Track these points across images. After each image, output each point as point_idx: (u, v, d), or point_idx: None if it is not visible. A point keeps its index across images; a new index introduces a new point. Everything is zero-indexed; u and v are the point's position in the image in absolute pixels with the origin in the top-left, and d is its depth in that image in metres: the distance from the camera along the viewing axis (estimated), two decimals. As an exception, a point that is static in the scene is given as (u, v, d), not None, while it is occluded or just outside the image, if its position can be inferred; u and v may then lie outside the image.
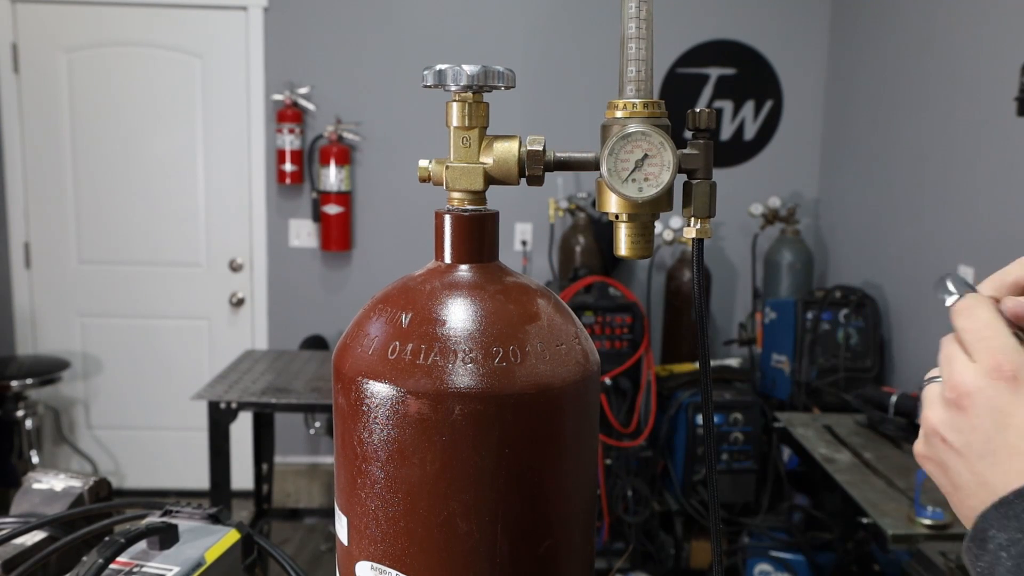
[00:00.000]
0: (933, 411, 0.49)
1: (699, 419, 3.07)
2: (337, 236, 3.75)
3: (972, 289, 0.54)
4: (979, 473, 0.46)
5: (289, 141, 3.69)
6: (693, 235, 0.56)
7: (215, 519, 0.77)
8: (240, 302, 3.91)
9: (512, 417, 0.50)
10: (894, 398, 2.51)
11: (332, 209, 3.72)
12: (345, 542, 0.55)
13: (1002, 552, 0.43)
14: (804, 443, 2.47)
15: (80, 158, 3.78)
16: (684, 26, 3.73)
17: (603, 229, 3.59)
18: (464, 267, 0.56)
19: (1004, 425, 0.45)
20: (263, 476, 3.23)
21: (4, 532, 0.75)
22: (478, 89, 0.54)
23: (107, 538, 0.67)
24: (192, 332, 3.92)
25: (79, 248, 3.84)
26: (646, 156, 0.53)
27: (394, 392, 0.50)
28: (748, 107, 3.84)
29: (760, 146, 3.87)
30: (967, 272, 2.71)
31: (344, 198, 3.73)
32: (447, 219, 0.56)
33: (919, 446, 0.51)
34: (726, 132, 3.83)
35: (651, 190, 0.53)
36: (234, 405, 2.62)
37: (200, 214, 3.84)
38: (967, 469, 0.46)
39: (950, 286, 0.55)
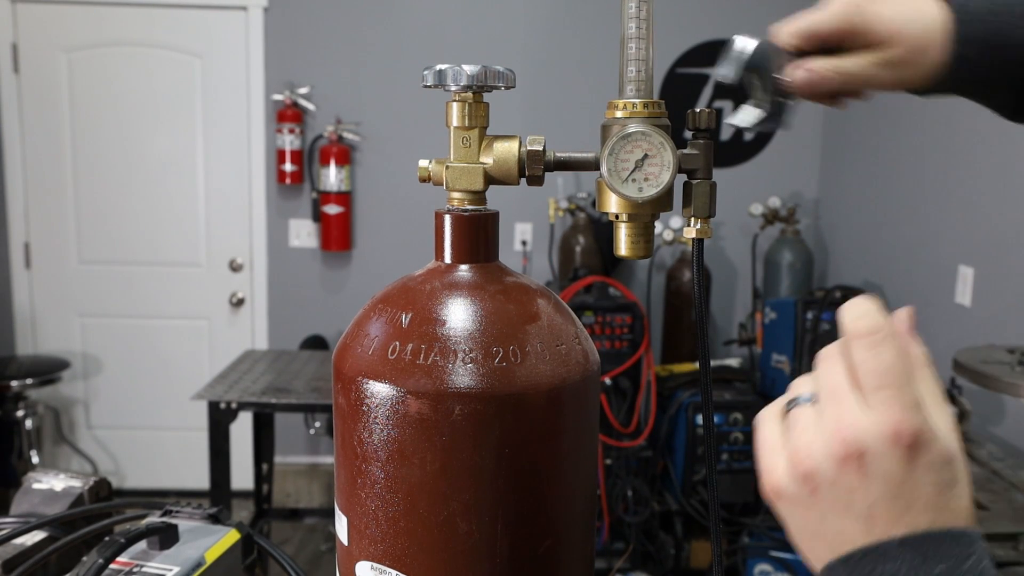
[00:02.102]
0: (811, 450, 0.42)
1: (699, 419, 3.08)
2: (337, 236, 3.75)
3: (766, 51, 0.53)
4: (845, 530, 0.41)
5: (289, 141, 3.69)
6: (693, 235, 0.56)
7: (215, 519, 0.77)
8: (240, 302, 3.91)
9: (512, 417, 0.50)
10: (894, 398, 2.50)
11: (332, 209, 3.72)
12: (345, 542, 0.55)
13: None
14: (804, 443, 2.47)
15: (80, 158, 3.78)
16: (684, 26, 3.73)
17: (603, 229, 3.59)
18: (464, 267, 0.56)
19: (892, 496, 0.40)
20: (263, 476, 3.23)
21: (4, 532, 0.75)
22: (478, 89, 0.54)
23: (107, 538, 0.67)
24: (192, 332, 3.92)
25: (79, 248, 3.84)
26: (646, 156, 0.53)
27: (394, 392, 0.50)
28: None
29: (760, 146, 3.87)
30: (967, 272, 2.72)
31: (344, 198, 3.73)
32: (447, 219, 0.56)
33: (779, 479, 0.43)
34: (726, 132, 3.84)
35: (651, 190, 0.53)
36: (234, 405, 2.62)
37: (200, 214, 3.84)
38: (832, 523, 0.42)
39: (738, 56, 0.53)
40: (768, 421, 0.45)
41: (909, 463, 0.40)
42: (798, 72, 0.57)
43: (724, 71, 0.54)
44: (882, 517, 0.41)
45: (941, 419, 0.42)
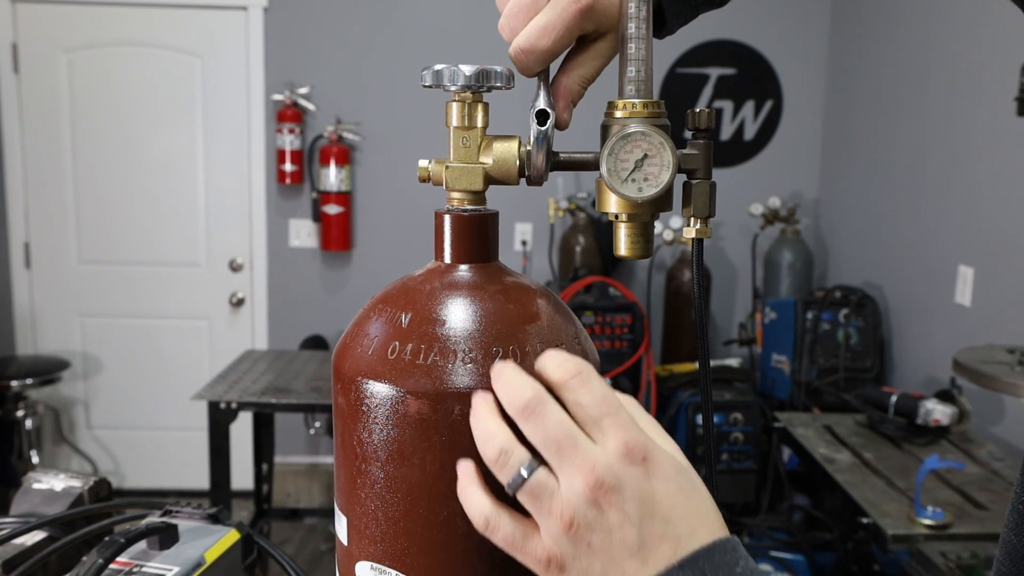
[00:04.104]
0: (572, 504, 0.42)
1: (699, 419, 3.08)
2: (337, 236, 3.75)
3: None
4: (627, 571, 0.42)
5: (289, 141, 3.69)
6: (693, 235, 0.56)
7: (215, 519, 0.77)
8: (240, 302, 3.91)
9: (512, 417, 0.50)
10: (894, 398, 2.51)
11: (332, 209, 3.72)
12: (345, 542, 0.55)
13: None
14: (804, 443, 2.47)
15: (80, 158, 3.78)
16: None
17: (603, 229, 3.59)
18: (464, 267, 0.56)
19: (650, 514, 0.42)
20: (263, 476, 3.23)
21: (4, 532, 0.75)
22: (477, 89, 0.54)
23: (107, 538, 0.67)
24: (192, 332, 3.92)
25: (79, 248, 3.84)
26: (646, 156, 0.53)
27: (394, 392, 0.50)
28: (748, 107, 3.84)
29: (760, 146, 3.87)
30: (967, 272, 2.72)
31: (344, 198, 3.73)
32: (447, 219, 0.56)
33: (552, 550, 0.43)
34: (726, 132, 3.84)
35: (651, 190, 0.53)
36: (234, 405, 2.62)
37: (200, 214, 3.84)
38: (615, 569, 0.42)
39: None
40: (497, 518, 0.44)
41: (649, 476, 0.43)
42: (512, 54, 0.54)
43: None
44: (653, 543, 0.42)
45: (662, 439, 0.45)
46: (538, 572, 0.44)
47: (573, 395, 0.44)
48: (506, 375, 0.46)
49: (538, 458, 0.44)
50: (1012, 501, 0.48)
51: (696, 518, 0.43)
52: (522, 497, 0.44)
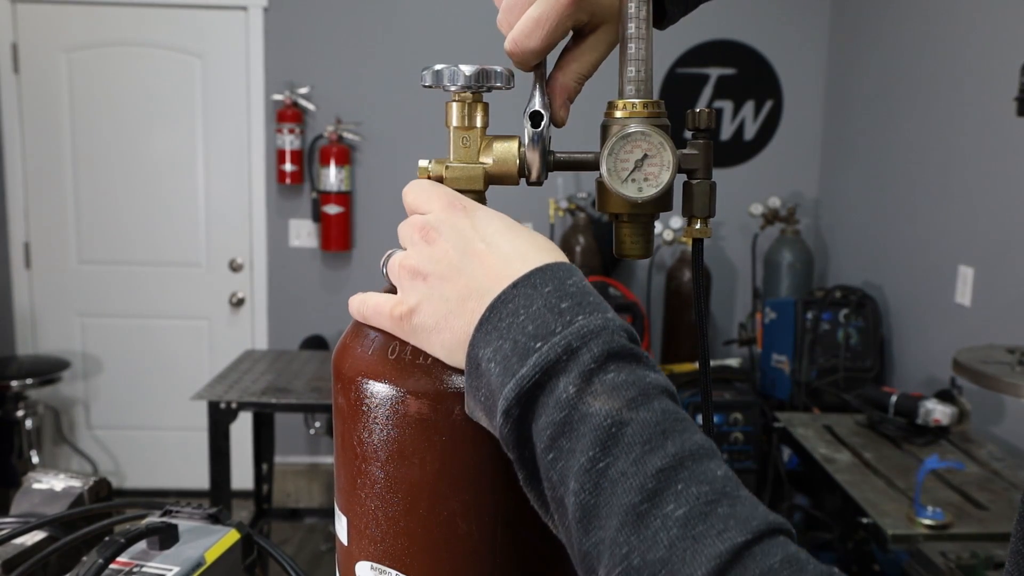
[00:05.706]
0: (407, 253, 0.51)
1: (699, 419, 3.07)
2: (337, 236, 3.75)
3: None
4: (462, 287, 0.48)
5: (289, 141, 3.69)
6: (693, 235, 0.56)
7: (215, 519, 0.77)
8: (240, 302, 3.91)
9: (512, 417, 0.50)
10: (894, 398, 2.51)
11: (332, 209, 3.72)
12: (345, 542, 0.55)
13: (491, 364, 0.45)
14: (804, 443, 2.47)
15: (80, 158, 3.78)
16: (684, 26, 3.71)
17: (603, 229, 3.59)
18: (464, 267, 0.56)
19: (468, 239, 0.49)
20: (263, 476, 3.23)
21: (4, 532, 0.75)
22: (477, 89, 0.54)
23: (107, 538, 0.67)
24: (192, 332, 3.92)
25: (79, 248, 3.84)
26: (646, 156, 0.53)
27: (394, 392, 0.50)
28: (748, 107, 3.84)
29: (760, 146, 3.87)
30: (967, 272, 2.72)
31: (344, 198, 3.73)
32: (447, 219, 0.56)
33: (401, 299, 0.50)
34: (726, 132, 3.84)
35: (651, 190, 0.53)
36: (234, 405, 2.62)
37: (200, 214, 3.84)
38: (452, 290, 0.48)
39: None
40: (368, 296, 0.53)
41: (469, 216, 0.50)
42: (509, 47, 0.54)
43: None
44: (476, 261, 0.48)
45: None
46: (394, 329, 0.51)
47: (409, 198, 0.53)
48: None
49: None
50: (1020, 508, 0.48)
51: (523, 243, 0.48)
52: (388, 273, 0.53)
